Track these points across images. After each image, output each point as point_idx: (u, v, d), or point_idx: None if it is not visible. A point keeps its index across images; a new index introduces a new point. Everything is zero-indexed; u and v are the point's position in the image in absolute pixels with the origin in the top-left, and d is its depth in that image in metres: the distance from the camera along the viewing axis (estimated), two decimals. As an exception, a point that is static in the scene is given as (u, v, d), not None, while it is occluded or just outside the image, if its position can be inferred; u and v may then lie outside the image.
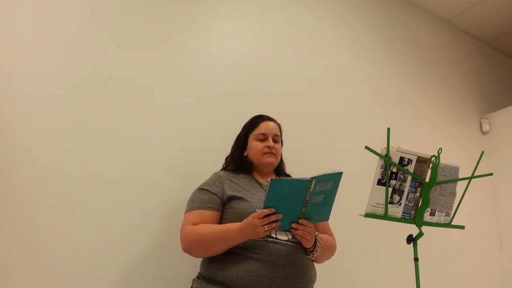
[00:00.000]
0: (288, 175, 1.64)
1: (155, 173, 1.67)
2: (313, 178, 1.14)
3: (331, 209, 1.29)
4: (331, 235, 1.51)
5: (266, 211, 1.15)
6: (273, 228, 1.17)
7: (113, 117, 1.64)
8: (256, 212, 1.19)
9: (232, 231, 1.24)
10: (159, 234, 1.61)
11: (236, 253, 1.26)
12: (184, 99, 1.83)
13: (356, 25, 2.65)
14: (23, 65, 1.50)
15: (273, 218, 1.16)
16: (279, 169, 1.62)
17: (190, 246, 1.33)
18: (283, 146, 1.64)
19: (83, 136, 1.55)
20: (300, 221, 1.23)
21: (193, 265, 1.43)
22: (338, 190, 1.25)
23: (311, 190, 1.16)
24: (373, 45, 2.68)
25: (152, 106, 1.74)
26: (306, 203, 1.20)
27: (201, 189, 1.43)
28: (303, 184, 1.15)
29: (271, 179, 1.11)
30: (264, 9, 2.26)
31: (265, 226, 1.16)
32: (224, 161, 1.60)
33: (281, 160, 1.64)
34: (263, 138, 1.53)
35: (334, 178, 1.21)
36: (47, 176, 1.45)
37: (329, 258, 1.51)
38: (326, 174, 1.18)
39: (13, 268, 1.33)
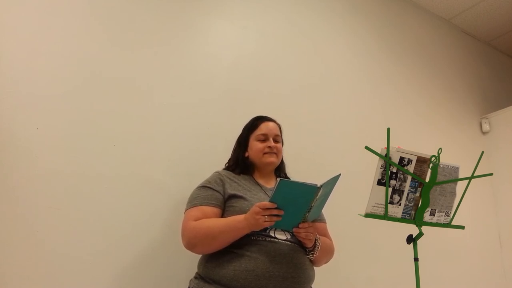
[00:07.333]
0: (287, 177, 1.64)
1: (155, 173, 1.67)
2: (322, 185, 1.15)
3: (323, 207, 1.32)
4: (330, 239, 1.52)
5: (268, 204, 1.16)
6: (273, 220, 1.17)
7: (113, 117, 1.64)
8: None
9: (237, 221, 1.24)
10: (158, 234, 1.61)
11: (233, 252, 1.26)
12: (184, 99, 1.83)
13: (356, 25, 2.65)
14: (23, 65, 1.50)
15: (275, 212, 1.17)
16: (280, 170, 1.62)
17: (194, 240, 1.30)
18: (283, 146, 1.64)
19: (83, 136, 1.55)
20: (301, 225, 1.24)
21: (191, 265, 1.42)
22: (338, 191, 1.26)
23: (317, 197, 1.17)
24: (373, 45, 2.68)
25: (152, 106, 1.74)
26: (310, 209, 1.20)
27: (203, 187, 1.42)
28: (311, 190, 1.15)
29: (280, 179, 1.11)
30: (264, 9, 2.26)
31: (266, 217, 1.17)
32: (225, 163, 1.60)
33: (282, 160, 1.64)
34: (264, 138, 1.53)
35: (334, 181, 1.21)
36: (47, 176, 1.45)
37: (327, 262, 1.51)
38: (331, 179, 1.18)
39: (13, 268, 1.33)
